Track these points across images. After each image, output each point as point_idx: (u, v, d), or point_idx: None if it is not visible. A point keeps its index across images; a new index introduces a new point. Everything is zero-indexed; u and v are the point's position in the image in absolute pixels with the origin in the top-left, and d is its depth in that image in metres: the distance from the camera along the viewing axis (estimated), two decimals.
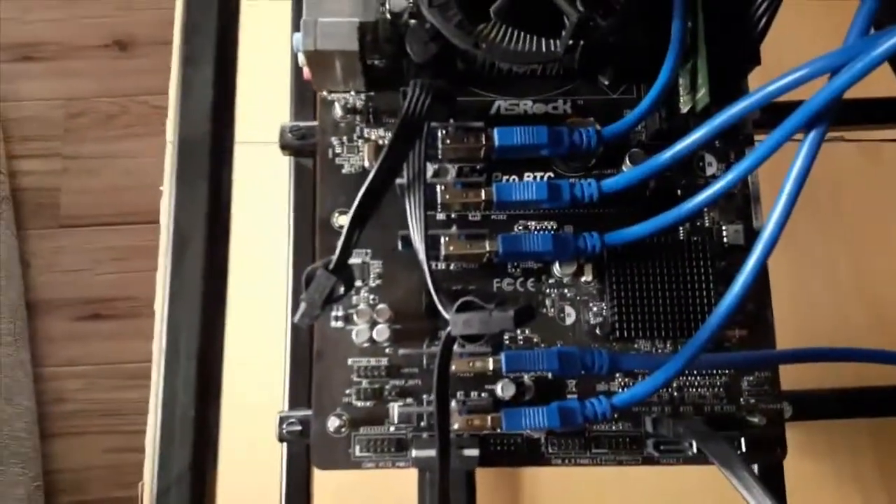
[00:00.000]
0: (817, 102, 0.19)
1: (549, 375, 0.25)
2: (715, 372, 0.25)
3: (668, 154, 0.23)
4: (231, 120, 0.16)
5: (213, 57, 0.16)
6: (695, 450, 0.24)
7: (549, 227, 0.26)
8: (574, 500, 0.33)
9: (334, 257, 0.22)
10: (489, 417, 0.22)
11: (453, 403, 0.23)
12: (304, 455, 0.28)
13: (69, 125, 1.04)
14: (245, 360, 0.35)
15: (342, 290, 0.22)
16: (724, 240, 0.26)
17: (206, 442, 0.14)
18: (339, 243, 0.22)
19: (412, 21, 0.26)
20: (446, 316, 0.21)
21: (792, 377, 0.27)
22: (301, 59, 0.25)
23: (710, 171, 0.26)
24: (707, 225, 0.26)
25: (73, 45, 1.04)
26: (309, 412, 0.28)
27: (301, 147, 0.29)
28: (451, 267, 0.26)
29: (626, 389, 0.24)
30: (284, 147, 0.29)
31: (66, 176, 1.01)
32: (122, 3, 1.02)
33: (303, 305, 0.21)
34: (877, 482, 0.32)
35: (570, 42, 0.24)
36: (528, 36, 0.24)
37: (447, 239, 0.24)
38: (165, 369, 0.14)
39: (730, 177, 0.22)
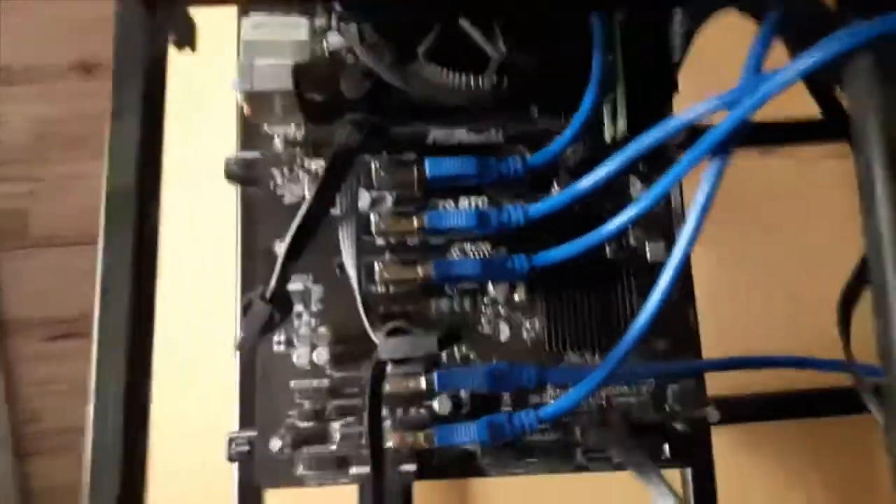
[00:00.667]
0: (715, 136, 0.21)
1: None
2: (642, 381, 0.27)
3: (586, 183, 0.24)
4: (158, 170, 0.17)
5: (140, 109, 0.17)
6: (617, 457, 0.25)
7: (484, 250, 0.27)
8: None
9: (270, 286, 0.23)
10: (422, 434, 0.23)
11: (388, 422, 0.24)
12: (255, 475, 0.29)
13: (36, 147, 1.04)
14: (201, 382, 0.36)
15: (279, 317, 0.23)
16: (647, 257, 0.27)
17: (135, 470, 0.16)
18: (274, 273, 0.23)
19: (349, 56, 0.27)
20: (375, 340, 0.22)
21: (727, 381, 0.29)
22: (239, 98, 0.26)
23: (633, 192, 0.28)
24: (632, 243, 0.28)
25: (38, 68, 1.04)
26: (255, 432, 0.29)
27: (246, 177, 0.30)
28: (391, 290, 0.27)
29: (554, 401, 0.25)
30: (230, 177, 0.30)
31: (33, 198, 1.01)
32: (87, 26, 1.02)
33: (239, 334, 0.22)
34: (815, 479, 0.33)
35: (495, 79, 0.25)
36: (456, 73, 0.26)
37: (381, 265, 0.25)
38: (95, 414, 0.15)
39: (641, 204, 0.23)
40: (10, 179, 1.01)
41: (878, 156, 0.15)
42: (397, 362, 0.22)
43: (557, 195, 0.25)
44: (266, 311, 0.22)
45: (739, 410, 0.29)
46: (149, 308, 0.16)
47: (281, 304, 0.22)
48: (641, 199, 0.23)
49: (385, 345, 0.21)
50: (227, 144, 0.32)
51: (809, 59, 0.17)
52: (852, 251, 0.22)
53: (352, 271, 0.23)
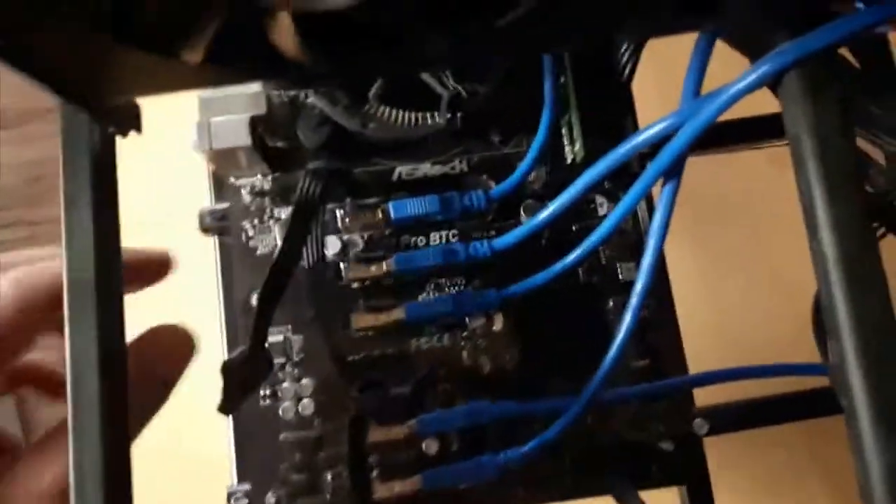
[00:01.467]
0: (662, 163, 0.21)
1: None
2: (628, 402, 0.26)
3: (547, 212, 0.24)
4: (117, 255, 0.17)
5: (90, 198, 0.17)
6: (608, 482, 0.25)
7: (459, 284, 0.27)
8: None
9: (247, 346, 0.23)
10: (409, 482, 0.23)
11: (374, 472, 0.24)
12: None
13: (32, 191, 1.04)
14: (200, 436, 0.36)
15: (261, 375, 0.23)
16: (619, 277, 0.27)
17: None
18: (250, 333, 0.23)
19: (307, 100, 0.28)
20: (352, 397, 0.22)
21: (714, 390, 0.29)
22: (200, 156, 0.26)
23: (601, 211, 0.28)
24: (603, 263, 0.28)
25: (29, 110, 1.05)
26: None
27: (221, 228, 0.30)
28: (370, 333, 0.27)
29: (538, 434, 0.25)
30: (205, 230, 0.30)
31: (32, 242, 1.02)
32: None
33: (221, 399, 0.22)
34: (816, 481, 0.33)
35: (448, 114, 0.25)
36: (409, 111, 0.26)
37: (354, 316, 0.25)
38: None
39: (603, 229, 0.23)
40: (9, 225, 1.02)
41: (816, 179, 0.15)
42: (377, 414, 0.22)
43: (521, 227, 0.25)
44: (244, 373, 0.22)
45: (728, 419, 0.29)
46: (122, 395, 0.16)
47: (261, 360, 0.23)
48: (603, 224, 0.23)
49: (362, 401, 0.21)
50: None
51: (743, 83, 0.17)
52: None
53: (323, 325, 0.23)
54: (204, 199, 0.32)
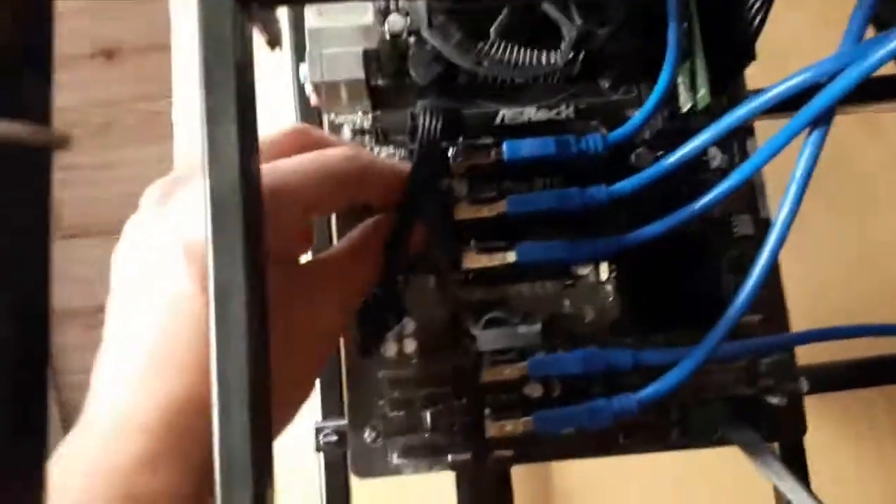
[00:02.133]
0: (816, 107, 0.20)
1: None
2: (737, 356, 0.26)
3: (673, 158, 0.23)
4: (257, 173, 0.17)
5: (235, 114, 0.16)
6: (719, 434, 0.25)
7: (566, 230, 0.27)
8: (601, 486, 0.34)
9: (380, 290, 0.23)
10: (521, 423, 0.23)
11: (486, 410, 0.24)
12: (342, 464, 0.29)
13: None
14: None
15: (394, 319, 0.23)
16: (735, 230, 0.27)
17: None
18: (381, 274, 0.23)
19: (412, 39, 0.27)
20: (474, 333, 0.22)
21: (805, 351, 0.28)
22: (308, 88, 0.26)
23: (714, 164, 0.27)
24: (716, 216, 0.27)
25: (59, 56, 1.04)
26: (342, 421, 0.29)
27: None
28: (470, 275, 0.27)
29: (649, 384, 0.25)
30: None
31: (66, 188, 1.01)
32: (105, 12, 1.01)
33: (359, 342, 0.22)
34: (894, 445, 0.33)
35: (571, 54, 0.24)
36: (528, 50, 0.25)
37: (465, 255, 0.25)
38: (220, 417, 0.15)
39: (737, 176, 0.23)
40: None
41: None
42: (497, 353, 0.22)
43: (643, 172, 0.25)
44: (380, 314, 0.22)
45: (825, 379, 0.28)
46: (263, 318, 0.16)
47: (394, 304, 0.22)
48: (738, 170, 0.23)
49: (485, 336, 0.21)
50: None
51: None
52: None
53: (441, 262, 0.23)
54: None
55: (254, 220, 0.17)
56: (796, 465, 0.27)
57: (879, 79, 0.30)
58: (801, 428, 0.26)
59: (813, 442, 0.28)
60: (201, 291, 0.18)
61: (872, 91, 0.27)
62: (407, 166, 0.24)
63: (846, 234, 0.37)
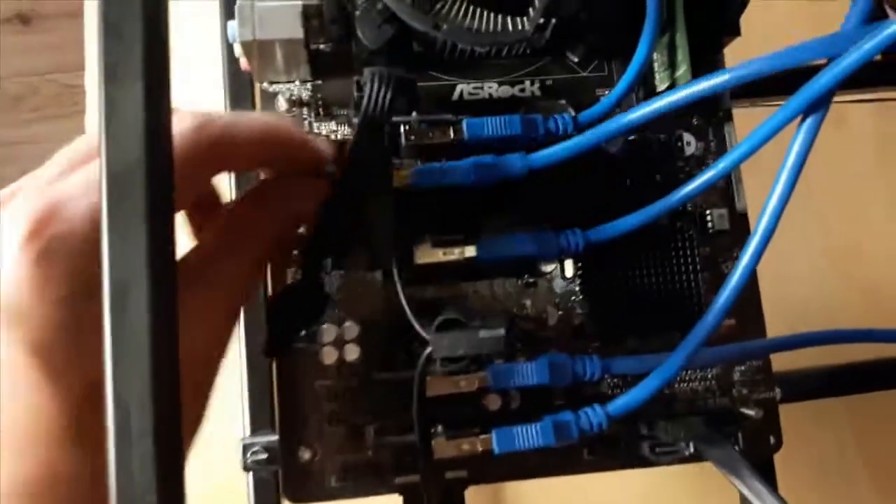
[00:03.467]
0: (816, 90, 0.18)
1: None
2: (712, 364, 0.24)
3: (635, 115, 0.21)
4: (168, 143, 0.13)
5: (141, 70, 0.13)
6: (691, 449, 0.23)
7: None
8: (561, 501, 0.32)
9: (298, 280, 0.19)
10: (478, 440, 0.20)
11: (437, 427, 0.21)
12: (273, 482, 0.26)
13: None
14: None
15: (314, 313, 0.19)
16: (710, 225, 0.24)
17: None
18: (302, 263, 0.19)
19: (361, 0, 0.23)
20: (426, 337, 0.19)
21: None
22: (237, 49, 0.22)
23: (689, 150, 0.25)
24: (689, 209, 0.25)
25: None
26: (273, 437, 0.25)
27: None
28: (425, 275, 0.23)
29: (618, 393, 0.22)
30: None
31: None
32: None
33: (265, 339, 0.19)
34: (860, 459, 0.32)
35: (541, 20, 0.21)
36: (492, 14, 0.22)
37: (420, 250, 0.22)
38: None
39: (721, 165, 0.20)
40: None
41: None
42: (451, 360, 0.19)
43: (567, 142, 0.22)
44: (295, 308, 0.19)
45: (799, 387, 0.27)
46: (170, 311, 0.12)
47: (314, 296, 0.19)
48: (720, 162, 0.20)
49: (439, 342, 0.18)
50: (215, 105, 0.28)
51: None
52: None
53: (389, 257, 0.20)
54: (222, 105, 0.28)
55: (160, 201, 0.13)
56: (767, 479, 0.25)
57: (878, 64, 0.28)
58: (777, 441, 0.24)
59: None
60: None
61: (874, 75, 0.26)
62: (282, 125, 0.19)
63: (810, 228, 0.36)
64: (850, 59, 0.17)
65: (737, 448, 0.23)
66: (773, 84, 0.26)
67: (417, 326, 0.19)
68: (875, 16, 0.19)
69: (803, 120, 0.19)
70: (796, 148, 0.19)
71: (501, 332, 0.18)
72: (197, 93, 0.27)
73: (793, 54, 0.19)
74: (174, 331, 0.13)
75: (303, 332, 0.21)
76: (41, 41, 0.96)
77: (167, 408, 0.13)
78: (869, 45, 0.17)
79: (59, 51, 0.92)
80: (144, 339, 0.13)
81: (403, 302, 0.19)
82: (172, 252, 0.13)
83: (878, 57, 0.18)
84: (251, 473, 0.26)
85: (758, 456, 0.23)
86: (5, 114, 0.96)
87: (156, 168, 0.13)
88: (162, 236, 0.13)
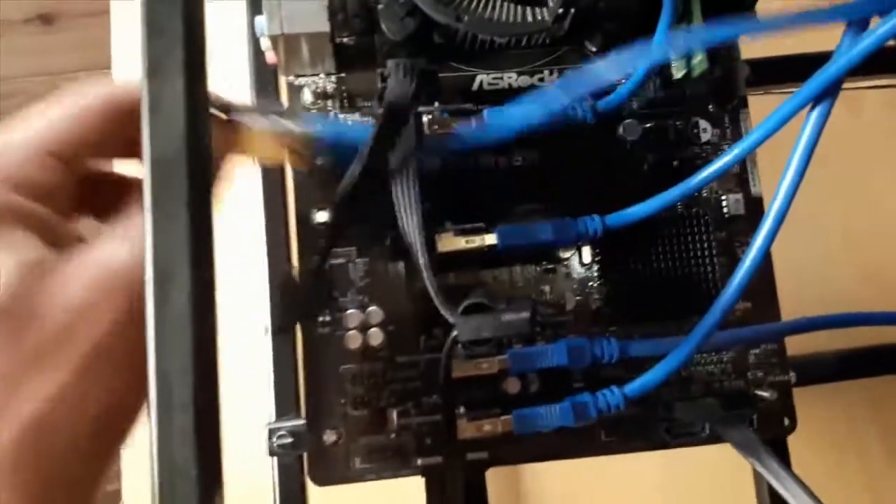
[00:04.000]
0: (828, 76, 0.18)
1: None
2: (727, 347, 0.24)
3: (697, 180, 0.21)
4: (206, 133, 0.14)
5: (182, 66, 0.14)
6: (708, 431, 0.23)
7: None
8: (578, 485, 0.32)
9: (314, 263, 0.20)
10: (499, 422, 0.21)
11: (460, 409, 0.22)
12: (298, 468, 0.27)
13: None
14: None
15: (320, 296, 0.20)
16: (725, 210, 0.25)
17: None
18: (322, 246, 0.20)
19: None
20: (452, 321, 0.19)
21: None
22: (264, 43, 0.23)
23: (704, 137, 0.25)
24: (705, 195, 0.25)
25: None
26: (298, 422, 0.26)
27: None
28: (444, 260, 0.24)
29: (635, 375, 0.22)
30: None
31: None
32: None
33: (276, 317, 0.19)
34: (874, 437, 0.32)
35: (560, 10, 0.22)
36: (511, 5, 0.23)
37: (443, 238, 0.22)
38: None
39: (737, 150, 0.21)
40: None
41: None
42: (476, 343, 0.19)
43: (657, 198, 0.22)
44: (307, 289, 0.19)
45: (810, 372, 0.27)
46: (209, 293, 0.13)
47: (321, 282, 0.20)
48: (738, 145, 0.21)
49: (464, 325, 0.19)
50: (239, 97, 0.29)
51: None
52: None
53: (417, 242, 0.20)
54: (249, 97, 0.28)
55: (200, 189, 0.14)
56: (782, 460, 0.25)
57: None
58: (792, 423, 0.24)
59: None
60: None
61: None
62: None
63: (826, 214, 0.36)
64: (861, 46, 0.18)
65: (759, 427, 0.23)
66: (787, 71, 0.26)
67: (444, 310, 0.19)
68: None
69: (814, 106, 0.19)
70: (808, 131, 0.19)
71: (527, 314, 0.18)
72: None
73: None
74: (214, 310, 0.14)
75: (309, 316, 0.22)
76: (63, 41, 0.97)
77: (207, 383, 0.14)
78: (881, 30, 0.17)
79: (82, 50, 0.93)
80: (187, 319, 0.13)
81: (431, 287, 0.20)
82: (210, 235, 0.14)
83: (893, 42, 0.18)
84: (276, 458, 0.26)
85: (772, 437, 0.23)
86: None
87: (196, 158, 0.14)
88: (202, 221, 0.14)
